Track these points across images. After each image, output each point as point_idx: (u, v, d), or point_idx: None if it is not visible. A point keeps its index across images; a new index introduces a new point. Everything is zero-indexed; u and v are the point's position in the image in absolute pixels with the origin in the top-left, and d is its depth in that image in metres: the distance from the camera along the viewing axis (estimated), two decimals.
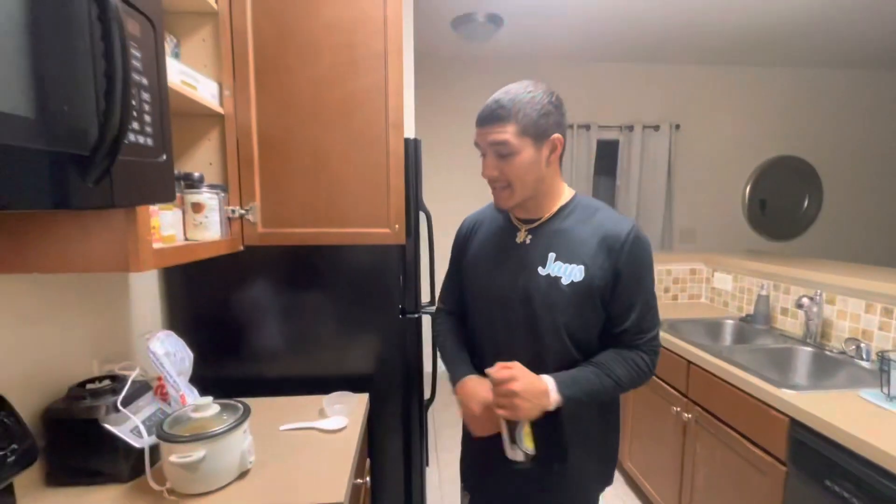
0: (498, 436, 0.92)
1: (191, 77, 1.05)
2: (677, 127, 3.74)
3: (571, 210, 0.96)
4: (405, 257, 1.43)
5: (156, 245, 0.85)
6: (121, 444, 0.91)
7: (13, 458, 0.75)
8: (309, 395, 1.34)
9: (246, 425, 0.95)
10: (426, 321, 1.43)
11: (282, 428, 1.16)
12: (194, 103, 1.07)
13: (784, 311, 2.02)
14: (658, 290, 2.57)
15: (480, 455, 1.07)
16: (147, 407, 1.02)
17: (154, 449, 0.93)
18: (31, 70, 0.47)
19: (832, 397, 1.29)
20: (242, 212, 1.26)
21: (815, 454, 1.19)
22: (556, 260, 0.92)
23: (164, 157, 0.72)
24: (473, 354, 1.04)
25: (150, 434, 0.94)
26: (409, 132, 1.92)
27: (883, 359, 1.28)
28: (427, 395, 1.61)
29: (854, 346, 1.61)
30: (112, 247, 0.74)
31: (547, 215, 0.96)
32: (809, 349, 1.74)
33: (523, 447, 0.88)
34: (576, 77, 3.67)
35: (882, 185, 3.99)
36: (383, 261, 1.40)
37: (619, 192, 3.77)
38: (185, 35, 1.18)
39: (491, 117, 0.87)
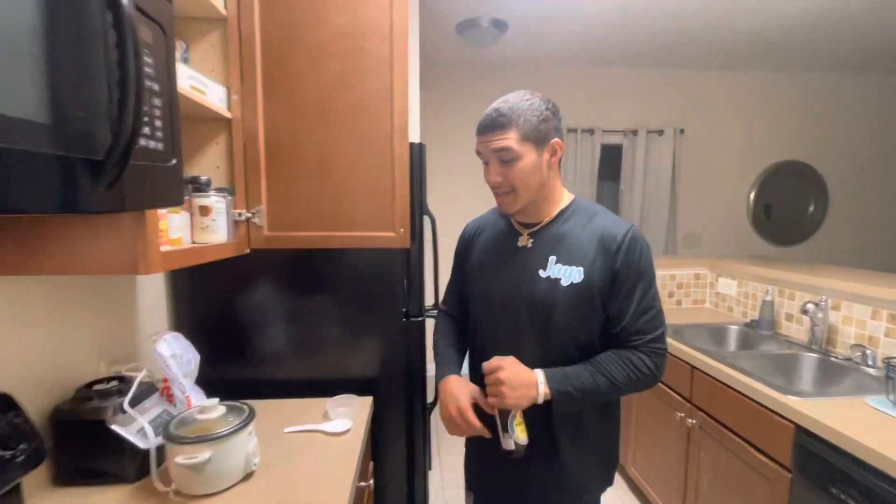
0: (498, 435, 0.94)
1: (199, 82, 1.07)
2: (682, 131, 3.73)
3: (571, 214, 0.98)
4: (409, 261, 1.44)
5: (164, 248, 0.86)
6: (127, 444, 0.92)
7: (22, 457, 0.76)
8: (313, 397, 1.35)
9: (251, 427, 0.96)
10: (430, 325, 1.43)
11: (286, 430, 1.16)
12: (203, 108, 1.08)
13: (789, 317, 2.01)
14: (662, 294, 2.56)
15: (484, 455, 1.09)
16: (153, 408, 1.03)
17: (160, 450, 0.94)
18: (47, 77, 0.48)
19: (838, 404, 1.28)
20: (249, 215, 1.27)
21: (820, 461, 1.19)
22: (556, 262, 0.94)
23: (174, 161, 0.73)
24: (476, 356, 1.05)
25: (156, 435, 0.95)
26: (414, 136, 1.93)
27: (889, 366, 1.27)
28: (430, 398, 1.61)
29: (860, 353, 1.60)
30: (121, 249, 0.75)
31: (547, 219, 0.99)
32: (815, 355, 1.73)
33: (515, 437, 0.90)
34: (580, 81, 3.68)
35: (888, 191, 3.97)
36: (387, 264, 1.41)
37: (623, 196, 3.77)
38: (195, 40, 1.20)
39: (492, 125, 0.90)
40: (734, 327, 2.15)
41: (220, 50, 1.21)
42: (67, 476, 0.93)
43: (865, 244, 4.00)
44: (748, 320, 2.20)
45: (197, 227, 1.09)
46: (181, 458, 0.86)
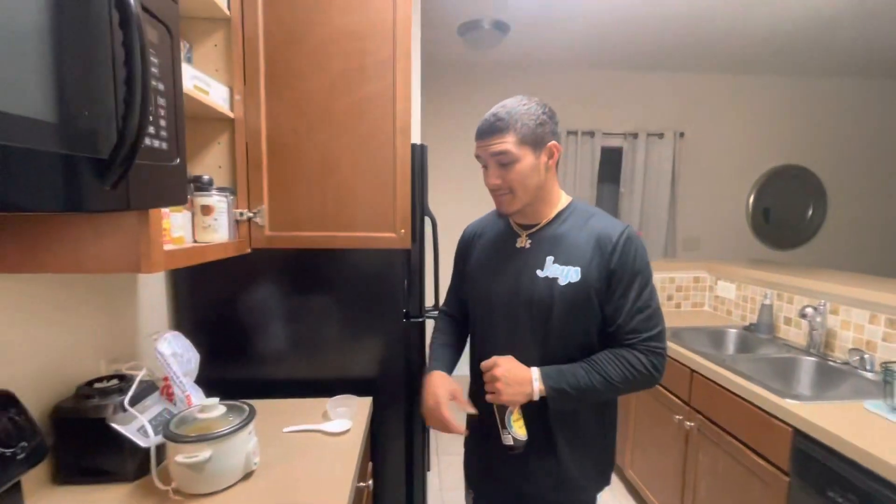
0: (498, 433, 0.96)
1: (203, 82, 1.07)
2: (681, 135, 3.74)
3: (568, 215, 1.00)
4: (410, 262, 1.44)
5: (166, 247, 0.86)
6: (127, 443, 0.92)
7: (23, 455, 0.76)
8: (313, 397, 1.35)
9: (251, 426, 0.96)
10: (430, 326, 1.44)
11: (286, 430, 1.16)
12: (206, 107, 1.08)
13: (787, 321, 2.02)
14: (661, 297, 2.56)
15: (483, 453, 1.10)
16: (153, 407, 1.03)
17: (160, 449, 0.94)
18: (54, 75, 0.48)
19: (836, 408, 1.29)
20: (250, 215, 1.27)
21: (818, 465, 1.19)
22: (553, 263, 0.96)
23: (178, 160, 0.74)
24: (477, 356, 1.06)
25: (156, 434, 0.95)
26: (416, 138, 1.93)
27: (887, 370, 1.28)
28: None
29: (858, 357, 1.60)
30: (124, 248, 0.75)
31: (545, 221, 1.01)
32: (813, 359, 1.74)
33: (513, 433, 0.92)
34: (581, 84, 3.69)
35: (887, 195, 3.98)
36: (388, 265, 1.41)
37: (623, 199, 3.78)
38: (198, 40, 1.20)
39: (491, 130, 0.93)
40: (733, 331, 2.15)
41: (224, 50, 1.21)
42: (68, 474, 0.93)
43: (864, 248, 4.01)
44: (747, 324, 2.20)
45: (199, 227, 1.09)
46: (181, 456, 0.86)
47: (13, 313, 0.87)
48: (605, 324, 0.96)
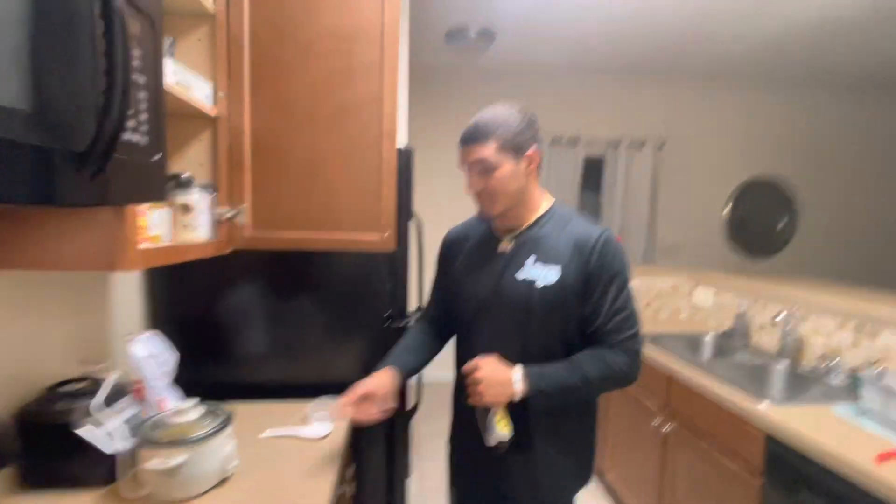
0: (480, 433, 0.96)
1: (185, 77, 1.05)
2: (661, 146, 3.84)
3: (548, 219, 1.03)
4: (394, 264, 1.43)
5: (143, 245, 0.84)
6: (95, 448, 0.88)
7: None
8: (293, 400, 1.32)
9: (229, 430, 0.94)
10: None
11: (265, 434, 1.14)
12: (187, 104, 1.06)
13: (761, 328, 2.08)
14: (641, 304, 2.62)
15: (465, 451, 1.12)
16: (126, 410, 0.99)
17: (132, 453, 0.91)
18: (30, 64, 0.47)
19: (806, 412, 1.33)
20: (232, 214, 1.25)
21: (790, 468, 1.23)
22: (533, 265, 0.98)
23: (158, 156, 0.72)
24: (461, 359, 1.07)
25: (128, 438, 0.92)
26: (402, 141, 1.93)
27: (854, 375, 1.32)
28: (411, 404, 1.60)
29: (827, 363, 1.66)
30: (98, 245, 0.73)
31: (526, 224, 1.03)
32: (785, 365, 1.79)
33: (497, 433, 0.93)
34: (565, 92, 3.75)
35: (856, 206, 4.15)
36: (372, 267, 1.40)
37: (605, 207, 3.85)
38: (181, 35, 1.18)
39: (472, 137, 0.95)
40: (709, 337, 2.21)
41: (208, 46, 1.20)
42: (34, 480, 0.89)
43: (833, 258, 4.16)
44: (723, 330, 2.26)
45: (178, 225, 1.07)
46: (154, 461, 0.84)
47: None
48: (584, 324, 0.98)
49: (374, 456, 1.48)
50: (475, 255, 1.08)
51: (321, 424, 1.18)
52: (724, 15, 2.57)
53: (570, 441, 1.04)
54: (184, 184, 1.08)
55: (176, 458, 0.84)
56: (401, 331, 1.47)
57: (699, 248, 4.01)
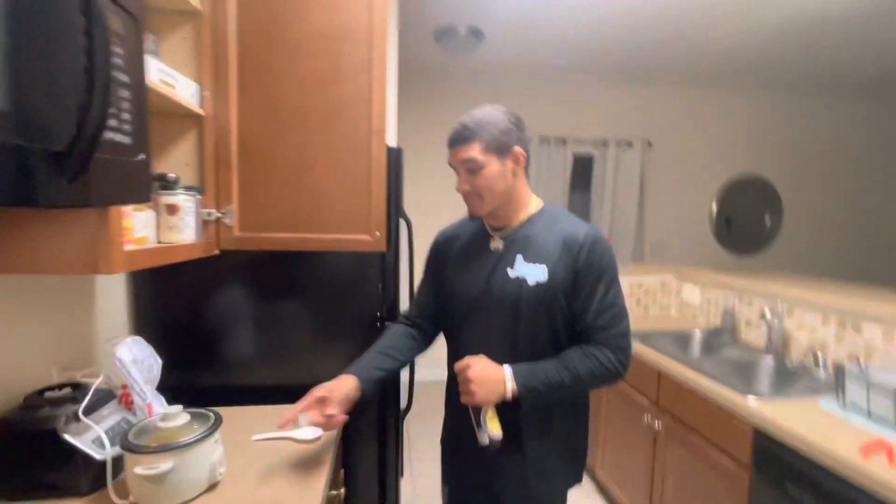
0: (473, 432, 0.97)
1: (169, 76, 1.03)
2: (649, 144, 3.88)
3: (538, 218, 1.05)
4: (385, 265, 1.43)
5: (128, 247, 0.82)
6: (80, 455, 0.86)
7: None
8: (283, 404, 1.30)
9: (217, 435, 0.92)
10: None
11: (254, 438, 1.12)
12: (172, 103, 1.04)
13: (748, 324, 2.11)
14: (630, 301, 2.64)
15: (457, 449, 1.13)
16: (111, 416, 0.97)
17: (118, 460, 0.89)
18: (7, 61, 0.45)
19: (792, 406, 1.35)
20: (219, 215, 1.23)
21: (777, 461, 1.25)
22: (523, 263, 1.00)
23: (142, 156, 0.70)
24: (453, 357, 1.07)
25: (113, 445, 0.90)
26: (392, 140, 1.92)
27: (838, 369, 1.35)
28: (403, 404, 1.59)
29: (812, 357, 1.69)
30: (82, 248, 0.71)
31: (516, 224, 1.05)
32: (771, 360, 1.82)
33: (488, 431, 0.94)
34: (554, 91, 3.77)
35: (838, 204, 4.24)
36: (363, 268, 1.39)
37: (594, 206, 3.87)
38: (165, 33, 1.16)
39: (459, 139, 0.98)
40: (698, 333, 2.23)
41: (193, 44, 1.17)
42: (16, 489, 0.86)
43: (816, 254, 4.25)
44: (711, 326, 2.29)
45: (163, 226, 1.05)
46: (141, 468, 0.82)
47: None
48: (573, 321, 0.99)
49: (366, 457, 1.47)
50: (467, 253, 1.09)
51: (311, 427, 1.16)
52: (704, 19, 2.60)
53: (562, 440, 1.05)
54: (170, 184, 1.06)
55: (163, 464, 0.83)
56: None
57: (687, 246, 4.07)
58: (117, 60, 0.62)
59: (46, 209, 0.68)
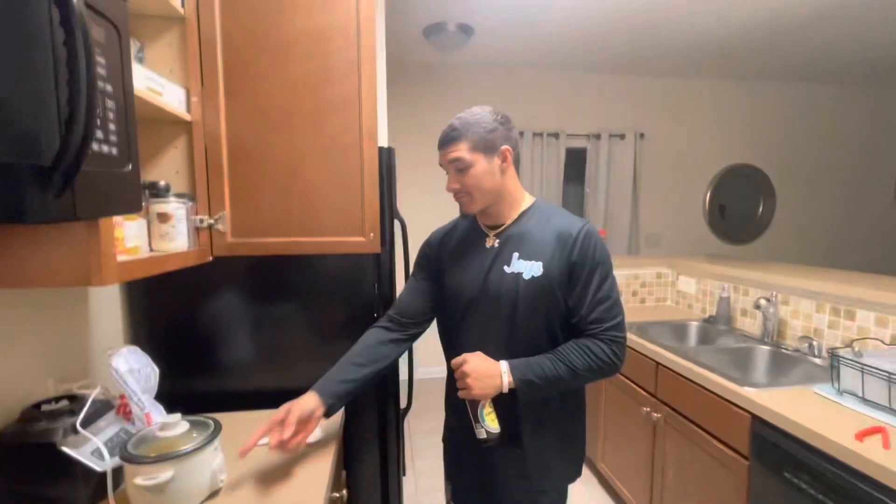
0: (472, 429, 0.98)
1: (156, 83, 1.02)
2: (642, 136, 3.88)
3: (531, 215, 1.06)
4: (380, 266, 1.42)
5: (120, 257, 0.82)
6: (80, 468, 0.86)
7: None
8: None
9: (217, 442, 0.92)
10: None
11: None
12: (160, 110, 1.03)
13: (744, 312, 2.12)
14: (626, 293, 2.65)
15: (459, 445, 1.15)
16: (109, 427, 0.96)
17: (117, 471, 0.89)
18: None
19: (789, 393, 1.37)
20: (211, 221, 1.22)
21: (774, 448, 1.26)
22: (518, 259, 1.01)
23: (130, 166, 0.70)
24: (450, 354, 1.08)
25: (112, 456, 0.89)
26: (383, 140, 1.92)
27: (833, 356, 1.36)
28: (403, 403, 1.60)
29: (807, 344, 1.71)
30: (73, 260, 0.71)
31: (510, 221, 1.06)
32: (767, 348, 1.83)
33: (486, 426, 0.96)
34: (545, 86, 3.76)
35: (830, 193, 4.27)
36: (358, 270, 1.39)
37: (588, 199, 3.88)
38: (150, 39, 1.14)
39: (447, 139, 1.01)
40: (694, 323, 2.25)
41: (179, 49, 1.16)
42: (13, 503, 0.86)
43: (810, 242, 4.28)
44: (707, 316, 2.30)
45: (155, 235, 1.04)
46: (141, 478, 0.82)
47: None
48: (569, 315, 1.01)
49: (368, 457, 1.48)
50: (463, 252, 1.10)
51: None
52: (692, 7, 2.60)
53: (557, 432, 1.06)
54: (160, 192, 1.05)
55: (164, 473, 0.82)
56: None
57: (682, 236, 4.08)
58: (101, 71, 0.61)
59: (34, 225, 0.67)
